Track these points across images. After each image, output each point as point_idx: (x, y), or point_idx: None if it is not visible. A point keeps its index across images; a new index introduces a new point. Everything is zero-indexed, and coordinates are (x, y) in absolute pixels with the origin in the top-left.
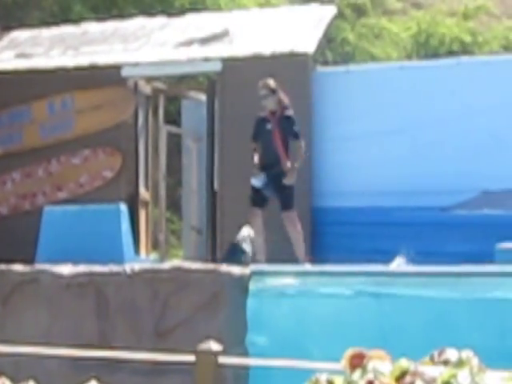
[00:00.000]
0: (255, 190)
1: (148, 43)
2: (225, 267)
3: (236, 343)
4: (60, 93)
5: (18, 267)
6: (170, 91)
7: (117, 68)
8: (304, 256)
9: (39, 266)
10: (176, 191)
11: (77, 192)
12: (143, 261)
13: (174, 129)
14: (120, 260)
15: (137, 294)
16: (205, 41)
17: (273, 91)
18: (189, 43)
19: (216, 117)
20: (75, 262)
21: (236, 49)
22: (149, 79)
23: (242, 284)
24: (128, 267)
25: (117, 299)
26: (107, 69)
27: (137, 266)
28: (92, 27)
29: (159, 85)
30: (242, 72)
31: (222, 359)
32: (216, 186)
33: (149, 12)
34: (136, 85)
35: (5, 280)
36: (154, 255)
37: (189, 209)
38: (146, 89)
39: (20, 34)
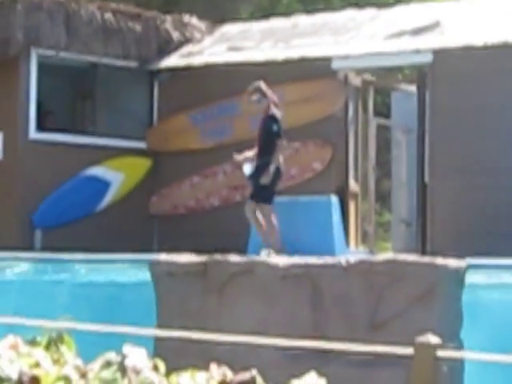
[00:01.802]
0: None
1: (358, 35)
2: (441, 260)
3: (451, 336)
4: (270, 85)
5: (235, 258)
6: (379, 83)
7: (327, 60)
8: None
9: (255, 257)
10: (384, 183)
11: (287, 184)
12: (353, 253)
13: (383, 121)
14: (331, 252)
15: (351, 286)
16: (415, 32)
17: (264, 94)
18: (399, 35)
19: (427, 109)
20: (287, 252)
21: (447, 40)
22: (358, 71)
23: (457, 277)
24: (343, 259)
25: (331, 291)
26: (317, 61)
27: (352, 259)
28: (302, 20)
29: (368, 77)
30: (453, 63)
31: (441, 352)
32: (426, 178)
33: (355, 3)
34: (346, 77)
35: (221, 270)
36: (362, 248)
37: (398, 201)
38: (356, 81)
39: (231, 28)
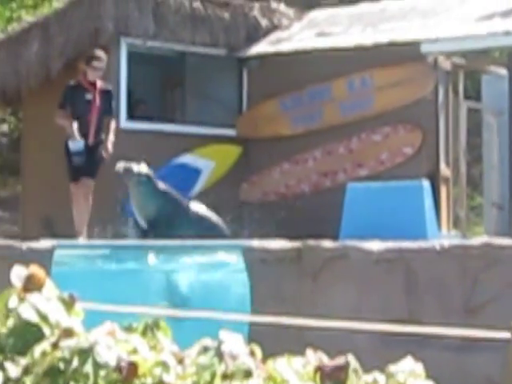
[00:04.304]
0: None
1: (447, 18)
2: None
3: None
4: (359, 70)
5: (328, 243)
6: (469, 66)
7: (416, 44)
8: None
9: (349, 242)
10: (475, 167)
11: (377, 169)
12: (446, 237)
13: (473, 104)
14: (423, 236)
15: (446, 270)
16: (506, 14)
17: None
18: (489, 17)
19: None
20: (378, 238)
21: None
22: (448, 55)
23: None
24: (437, 243)
25: (425, 275)
26: (406, 45)
27: (446, 242)
28: (390, 4)
29: (458, 60)
30: None
31: None
32: None
33: None
34: (435, 61)
35: (315, 256)
36: (454, 232)
37: (490, 185)
38: (446, 64)
39: (319, 14)
